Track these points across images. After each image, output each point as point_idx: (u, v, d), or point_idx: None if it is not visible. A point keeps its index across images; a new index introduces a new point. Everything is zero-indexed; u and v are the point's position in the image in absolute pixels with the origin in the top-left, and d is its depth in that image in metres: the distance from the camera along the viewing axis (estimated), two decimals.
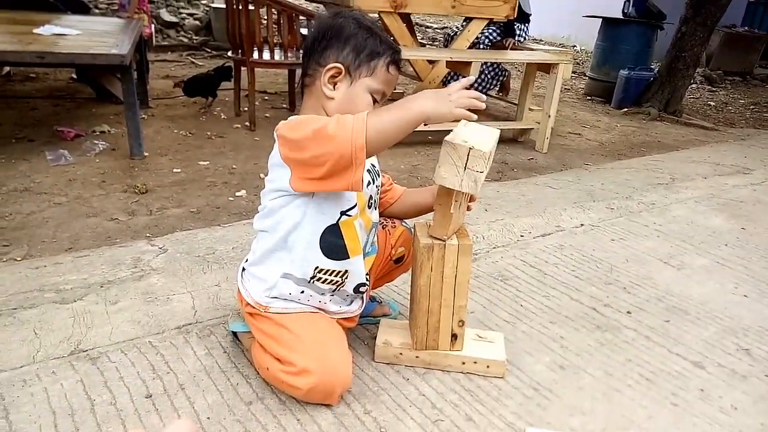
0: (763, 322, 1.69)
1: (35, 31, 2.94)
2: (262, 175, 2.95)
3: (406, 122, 1.08)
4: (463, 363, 1.36)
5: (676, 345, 1.55)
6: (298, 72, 4.74)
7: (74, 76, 4.58)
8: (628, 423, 1.24)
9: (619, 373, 1.41)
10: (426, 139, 3.83)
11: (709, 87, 7.30)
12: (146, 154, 3.08)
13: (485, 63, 4.38)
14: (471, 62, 3.44)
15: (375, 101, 1.23)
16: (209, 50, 6.55)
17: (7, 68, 4.53)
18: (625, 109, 5.33)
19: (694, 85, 6.93)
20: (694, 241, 2.25)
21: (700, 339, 1.58)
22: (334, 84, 1.20)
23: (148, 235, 2.17)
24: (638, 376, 1.40)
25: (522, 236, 2.18)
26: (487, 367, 1.36)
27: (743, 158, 3.69)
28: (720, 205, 2.70)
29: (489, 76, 4.62)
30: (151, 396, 1.22)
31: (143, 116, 3.65)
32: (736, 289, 1.88)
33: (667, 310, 1.72)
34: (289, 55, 3.80)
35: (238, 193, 2.69)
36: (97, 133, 3.36)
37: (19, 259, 1.94)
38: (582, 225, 2.34)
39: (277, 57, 3.79)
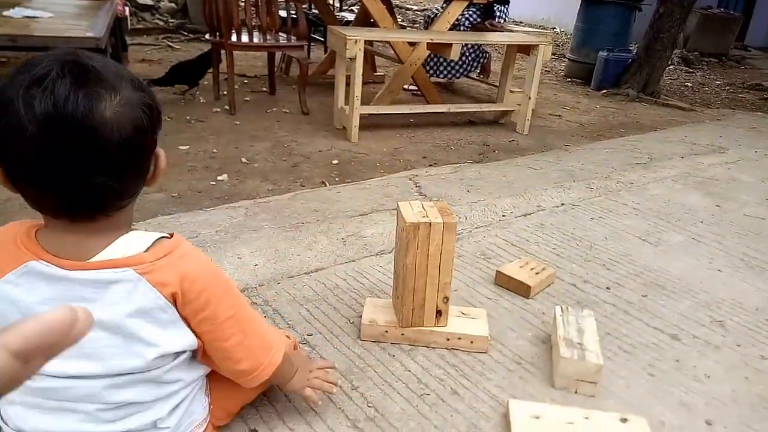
0: (736, 295, 1.74)
1: (5, 13, 2.85)
2: (243, 159, 2.93)
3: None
4: (448, 339, 1.39)
5: (654, 318, 1.59)
6: (278, 55, 4.71)
7: None
8: (608, 393, 1.28)
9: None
10: (408, 122, 3.84)
11: (686, 68, 7.39)
12: None
13: (466, 45, 4.38)
14: (451, 44, 3.44)
15: None
16: (186, 33, 6.43)
17: None
18: (605, 91, 5.38)
19: (671, 67, 7.00)
20: (671, 218, 2.30)
21: (676, 312, 1.63)
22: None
23: None
24: (617, 349, 1.44)
25: (504, 216, 2.21)
26: (471, 342, 1.38)
27: (719, 138, 3.76)
28: (696, 184, 2.75)
29: (470, 59, 4.61)
30: None
31: None
32: (710, 264, 1.93)
33: (644, 286, 1.76)
34: (268, 37, 3.76)
35: (219, 177, 2.67)
36: None
37: None
38: (562, 204, 2.37)
39: (255, 39, 3.74)
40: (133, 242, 0.83)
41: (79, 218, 0.79)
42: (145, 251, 0.82)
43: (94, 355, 0.83)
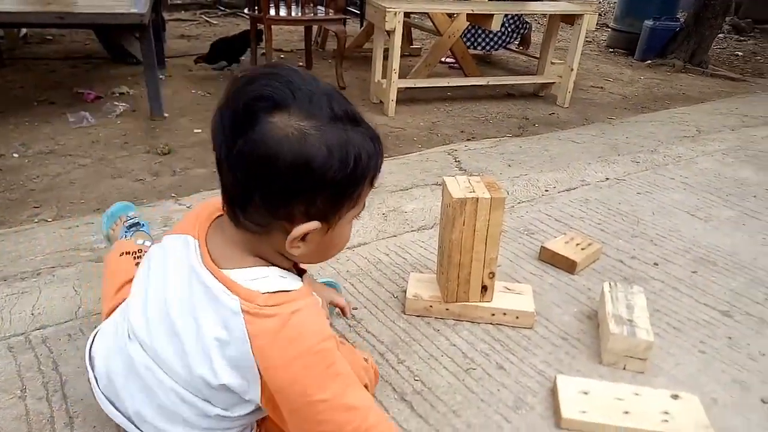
0: None
1: None
2: None
3: None
4: (493, 314, 1.38)
5: (704, 295, 1.55)
6: (315, 29, 4.67)
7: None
8: (657, 370, 1.26)
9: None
10: (445, 96, 3.78)
11: (737, 36, 7.05)
12: (166, 114, 3.09)
13: (506, 15, 4.26)
14: (492, 14, 3.35)
15: None
16: (223, 8, 6.45)
17: (24, 30, 4.51)
18: (649, 61, 5.19)
19: (721, 35, 6.69)
20: (721, 193, 2.23)
21: (728, 289, 1.58)
22: (303, 239, 0.78)
23: (173, 194, 2.20)
24: (666, 325, 1.41)
25: (546, 191, 2.17)
26: (516, 318, 1.38)
27: None
28: (748, 157, 2.65)
29: (509, 29, 4.49)
30: None
31: (161, 77, 3.64)
32: (764, 240, 1.87)
33: (694, 261, 1.72)
34: (306, 11, 3.74)
35: None
36: (117, 94, 3.37)
37: (50, 220, 1.98)
38: (607, 179, 2.32)
39: (294, 13, 3.73)
40: (261, 279, 0.78)
41: (226, 210, 0.79)
42: (263, 293, 0.77)
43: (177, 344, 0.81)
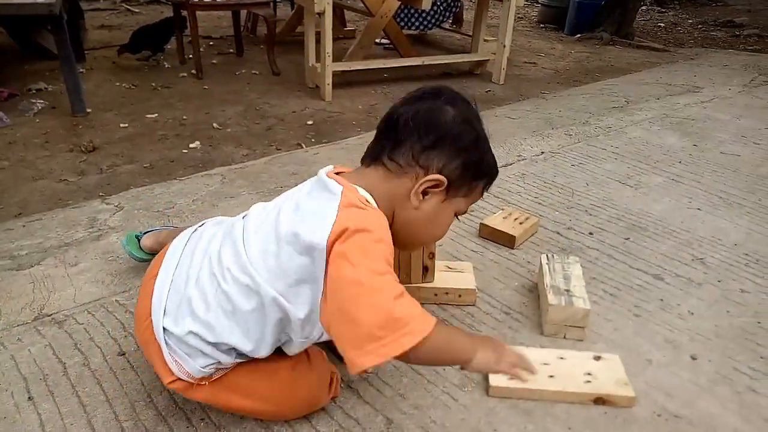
0: (716, 233, 1.77)
1: None
2: (215, 125, 2.85)
3: (453, 359, 0.95)
4: (436, 294, 1.38)
5: (637, 260, 1.61)
6: (243, 14, 4.52)
7: None
8: (596, 337, 1.30)
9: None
10: (382, 78, 3.76)
11: (659, 8, 7.34)
12: (89, 110, 2.93)
13: None
14: None
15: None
16: None
17: None
18: (579, 35, 5.32)
19: (644, 7, 6.94)
20: (649, 160, 2.31)
21: (658, 253, 1.65)
22: (424, 194, 0.97)
23: (101, 194, 2.08)
24: (603, 293, 1.46)
25: None
26: (459, 296, 1.38)
27: (693, 77, 3.76)
28: (673, 125, 2.76)
29: (441, 8, 4.50)
30: (124, 354, 1.20)
31: (81, 70, 3.44)
32: (690, 204, 1.95)
33: (627, 229, 1.78)
34: None
35: (191, 145, 2.60)
36: (34, 91, 3.16)
37: None
38: (542, 153, 2.36)
39: None
40: (365, 193, 0.94)
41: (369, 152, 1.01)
42: (359, 197, 0.92)
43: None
